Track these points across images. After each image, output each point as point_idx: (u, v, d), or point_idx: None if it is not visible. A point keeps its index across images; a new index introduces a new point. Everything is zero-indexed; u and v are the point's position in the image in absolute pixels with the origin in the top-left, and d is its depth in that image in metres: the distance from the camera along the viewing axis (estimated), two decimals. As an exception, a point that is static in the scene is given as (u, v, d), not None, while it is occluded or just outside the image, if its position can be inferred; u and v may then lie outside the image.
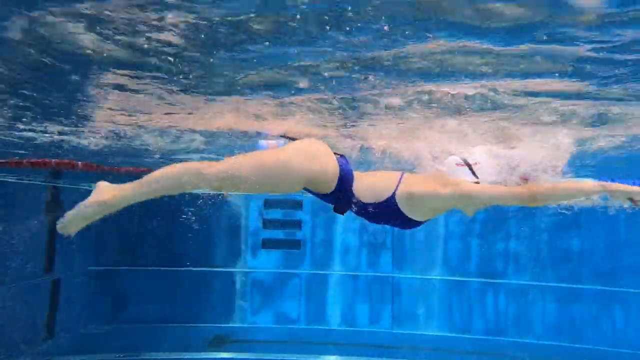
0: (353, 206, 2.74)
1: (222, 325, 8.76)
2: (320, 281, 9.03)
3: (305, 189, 2.68)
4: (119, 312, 8.72)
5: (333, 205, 2.80)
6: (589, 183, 2.61)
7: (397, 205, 2.66)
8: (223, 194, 8.44)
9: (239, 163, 2.42)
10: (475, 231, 8.86)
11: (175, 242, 8.93)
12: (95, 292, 8.65)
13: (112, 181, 2.32)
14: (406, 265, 8.94)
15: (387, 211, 2.69)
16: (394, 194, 2.66)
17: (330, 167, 2.59)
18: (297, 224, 9.11)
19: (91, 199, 2.31)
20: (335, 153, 2.75)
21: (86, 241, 8.53)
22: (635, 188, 2.52)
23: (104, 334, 8.17)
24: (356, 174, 2.72)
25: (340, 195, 2.69)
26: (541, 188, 2.62)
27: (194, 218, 8.96)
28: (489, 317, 8.71)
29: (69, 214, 2.31)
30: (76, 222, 2.33)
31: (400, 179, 2.72)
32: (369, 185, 2.71)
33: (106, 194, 2.31)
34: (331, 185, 2.63)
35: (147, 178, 2.33)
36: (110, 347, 7.43)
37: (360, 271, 9.00)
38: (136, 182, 2.33)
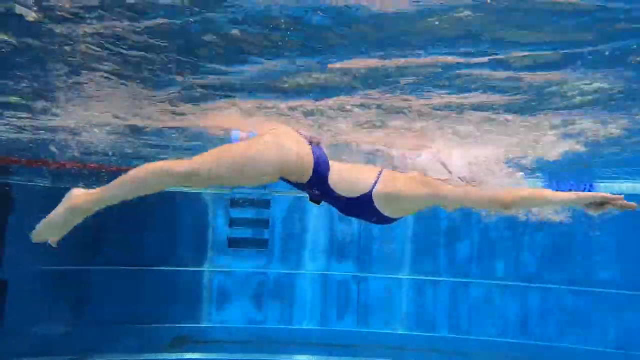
0: (328, 197, 2.71)
1: (187, 325, 8.58)
2: (287, 281, 8.96)
3: (282, 179, 2.63)
4: (77, 313, 8.38)
5: (309, 196, 2.78)
6: (565, 193, 2.64)
7: (372, 202, 2.64)
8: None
9: (211, 159, 2.38)
10: (443, 231, 8.98)
11: (138, 241, 8.65)
12: (51, 292, 8.28)
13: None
14: (373, 265, 8.99)
15: (362, 207, 2.68)
16: (371, 191, 2.64)
17: (304, 157, 2.55)
18: (265, 223, 9.00)
19: (62, 205, 2.29)
20: (311, 142, 2.71)
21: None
22: (607, 194, 2.54)
23: (60, 336, 7.83)
24: (333, 165, 2.69)
25: (316, 185, 2.66)
26: (520, 194, 2.63)
27: (158, 216, 8.71)
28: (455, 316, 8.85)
29: (41, 223, 2.30)
30: (51, 231, 2.35)
31: (379, 176, 2.70)
32: (347, 178, 2.68)
33: (77, 200, 2.30)
34: (307, 175, 2.60)
35: (117, 181, 2.31)
36: (65, 349, 7.13)
37: (328, 271, 8.98)
38: (107, 186, 2.30)
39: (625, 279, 8.14)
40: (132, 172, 2.31)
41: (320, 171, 2.61)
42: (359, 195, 2.65)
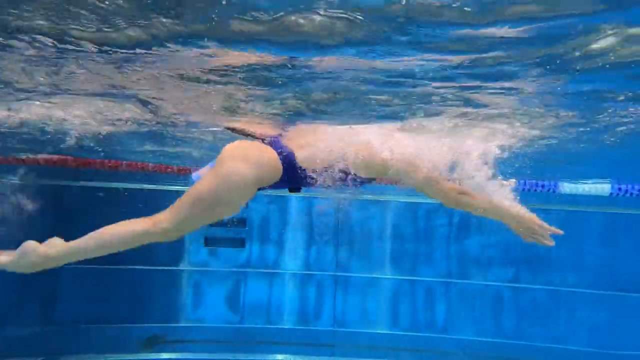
0: (305, 179, 2.76)
1: (161, 325, 8.42)
2: (264, 279, 8.89)
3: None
4: (47, 313, 8.14)
5: (288, 188, 2.84)
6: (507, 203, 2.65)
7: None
8: None
9: (184, 208, 2.43)
10: (424, 231, 9.05)
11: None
12: (18, 292, 8.02)
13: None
14: (352, 263, 8.99)
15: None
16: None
17: (270, 162, 2.60)
18: (242, 222, 8.92)
19: (33, 253, 2.43)
20: (263, 139, 2.77)
21: (9, 237, 7.89)
22: (537, 224, 2.56)
23: (27, 337, 7.59)
24: (295, 147, 2.72)
25: (290, 177, 2.70)
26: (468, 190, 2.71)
27: (131, 213, 8.52)
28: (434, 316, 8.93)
29: (8, 264, 2.44)
30: (22, 270, 2.48)
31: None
32: (313, 152, 2.75)
33: (53, 250, 2.42)
34: (278, 175, 2.65)
35: (93, 239, 2.46)
36: (32, 350, 6.91)
37: (306, 269, 8.95)
38: (81, 241, 2.44)
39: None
40: (109, 232, 2.48)
41: (289, 164, 2.65)
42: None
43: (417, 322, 8.83)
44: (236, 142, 2.67)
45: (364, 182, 2.87)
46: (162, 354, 7.26)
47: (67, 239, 2.52)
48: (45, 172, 7.24)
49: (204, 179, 2.53)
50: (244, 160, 2.49)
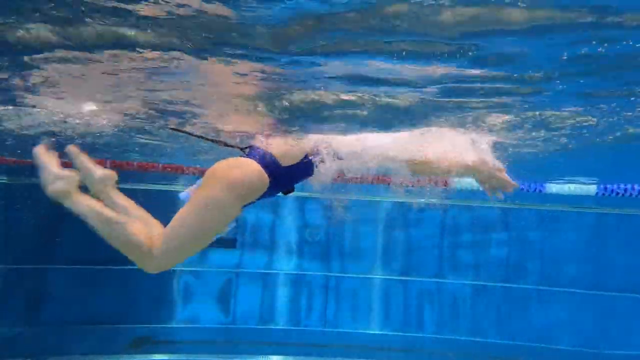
0: (292, 178, 2.76)
1: (149, 325, 8.33)
2: (255, 280, 8.84)
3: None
4: (32, 314, 8.01)
5: (282, 192, 2.82)
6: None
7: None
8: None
9: (172, 236, 2.45)
10: (418, 230, 9.06)
11: (99, 239, 8.32)
12: (4, 291, 7.89)
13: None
14: (344, 263, 8.98)
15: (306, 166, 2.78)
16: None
17: (254, 181, 2.55)
18: (233, 221, 8.84)
19: (59, 181, 2.53)
20: (243, 149, 2.77)
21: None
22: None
23: (11, 337, 7.47)
24: (276, 153, 2.69)
25: (279, 182, 2.67)
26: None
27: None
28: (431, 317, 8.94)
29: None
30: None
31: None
32: (289, 150, 2.77)
33: (70, 187, 2.51)
34: (265, 185, 2.60)
35: (97, 214, 2.49)
36: (17, 351, 6.79)
37: (298, 270, 8.91)
38: (89, 206, 2.49)
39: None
40: (113, 219, 2.46)
41: (275, 171, 2.62)
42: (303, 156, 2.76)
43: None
44: (220, 164, 2.60)
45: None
46: (152, 355, 7.17)
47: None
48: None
49: (189, 205, 2.51)
50: (227, 184, 2.45)
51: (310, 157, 2.78)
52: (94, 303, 8.23)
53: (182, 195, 2.69)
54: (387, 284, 8.94)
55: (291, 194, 2.83)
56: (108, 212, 2.48)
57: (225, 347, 7.76)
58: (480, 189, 2.89)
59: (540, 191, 6.05)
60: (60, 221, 8.23)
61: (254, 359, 7.55)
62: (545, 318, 8.57)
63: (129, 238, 2.41)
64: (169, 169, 6.24)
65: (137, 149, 5.42)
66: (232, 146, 2.95)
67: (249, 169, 2.54)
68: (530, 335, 8.57)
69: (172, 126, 3.54)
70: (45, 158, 2.60)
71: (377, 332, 8.79)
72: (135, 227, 2.45)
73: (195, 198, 2.49)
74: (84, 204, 2.49)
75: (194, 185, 2.69)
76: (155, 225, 2.60)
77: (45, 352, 6.81)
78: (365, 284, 8.96)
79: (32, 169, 6.61)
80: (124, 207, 2.60)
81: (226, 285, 8.76)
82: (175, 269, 8.58)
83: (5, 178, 7.83)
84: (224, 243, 8.79)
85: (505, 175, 2.75)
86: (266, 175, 2.56)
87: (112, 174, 2.64)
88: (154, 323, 8.43)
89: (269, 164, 2.60)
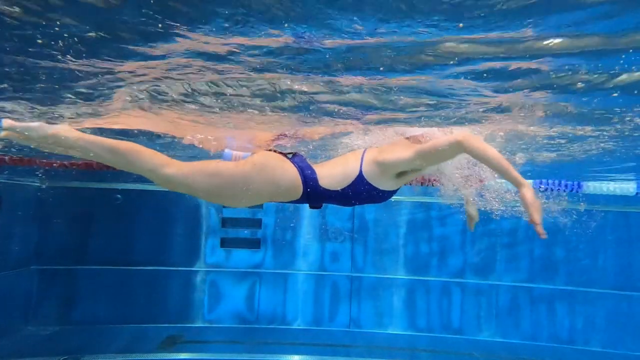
0: (326, 198, 2.74)
1: (178, 325, 8.50)
2: (280, 280, 8.91)
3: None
4: (66, 313, 8.28)
5: (308, 204, 2.80)
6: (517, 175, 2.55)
7: (364, 178, 2.67)
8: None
9: (197, 171, 2.41)
10: (439, 231, 8.99)
11: (129, 240, 8.56)
12: (39, 291, 8.16)
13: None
14: (367, 264, 8.97)
15: (358, 188, 2.70)
16: (360, 170, 2.68)
17: (289, 186, 2.58)
18: (257, 223, 8.95)
19: (43, 126, 2.40)
20: (286, 155, 2.73)
21: (28, 239, 8.03)
22: (535, 218, 2.37)
23: (48, 336, 7.72)
24: (317, 168, 2.70)
25: (310, 194, 2.67)
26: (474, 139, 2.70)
27: (148, 215, 8.62)
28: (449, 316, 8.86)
29: (19, 126, 2.41)
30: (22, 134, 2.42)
31: (363, 154, 2.75)
32: (336, 173, 2.71)
33: (62, 130, 2.41)
34: (298, 192, 2.62)
35: (100, 141, 2.38)
36: (53, 349, 7.02)
37: (321, 270, 8.94)
38: (90, 138, 2.39)
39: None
40: (121, 146, 2.36)
41: (310, 181, 2.63)
42: (353, 179, 2.67)
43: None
44: (271, 154, 2.66)
45: (385, 196, 2.84)
46: (181, 354, 7.30)
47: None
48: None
49: (231, 163, 2.55)
50: (267, 174, 2.50)
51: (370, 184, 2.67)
52: (125, 303, 8.45)
53: (226, 151, 2.72)
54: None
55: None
56: (112, 140, 2.41)
57: (253, 346, 7.83)
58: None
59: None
60: (92, 223, 8.49)
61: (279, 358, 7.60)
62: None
63: (142, 151, 2.38)
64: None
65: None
66: (275, 151, 2.95)
67: (288, 173, 2.59)
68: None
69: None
70: (23, 122, 2.50)
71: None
72: (144, 150, 2.42)
73: (234, 165, 2.52)
74: (88, 137, 2.42)
75: (241, 154, 2.72)
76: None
77: (80, 350, 7.00)
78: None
79: (65, 172, 6.75)
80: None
81: (252, 285, 8.86)
82: (201, 269, 8.75)
83: (37, 181, 8.08)
84: (249, 244, 8.90)
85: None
86: (301, 186, 2.60)
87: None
88: (184, 323, 8.59)
89: (309, 177, 2.62)
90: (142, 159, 2.35)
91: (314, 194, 2.67)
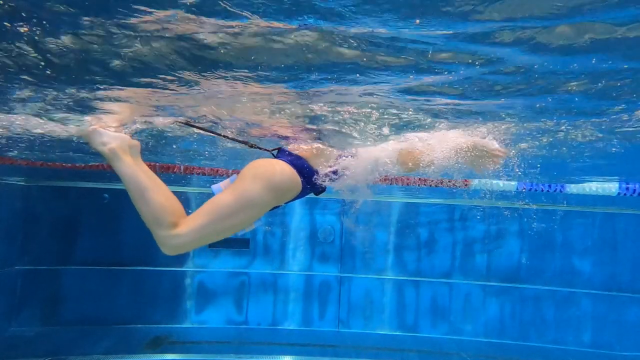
0: (328, 180, 2.77)
1: (165, 325, 8.43)
2: (268, 281, 8.88)
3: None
4: (50, 314, 8.16)
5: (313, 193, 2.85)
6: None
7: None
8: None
9: (200, 218, 2.45)
10: (427, 231, 9.03)
11: (116, 240, 8.46)
12: (23, 292, 8.04)
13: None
14: (355, 265, 8.98)
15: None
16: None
17: (292, 184, 2.57)
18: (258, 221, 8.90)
19: (111, 140, 2.58)
20: (272, 151, 2.77)
21: (12, 239, 7.91)
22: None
23: (31, 337, 7.61)
24: (308, 157, 2.72)
25: (310, 185, 2.70)
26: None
27: (135, 214, 8.53)
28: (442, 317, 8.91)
29: (98, 136, 2.59)
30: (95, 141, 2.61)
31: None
32: (317, 154, 2.79)
33: (122, 151, 2.58)
34: (298, 187, 2.61)
35: (138, 177, 2.55)
36: (37, 350, 6.91)
37: (310, 271, 8.93)
38: (134, 170, 2.55)
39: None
40: (149, 187, 2.54)
41: (307, 174, 2.64)
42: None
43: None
44: (259, 161, 2.60)
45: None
46: (168, 354, 7.24)
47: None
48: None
49: (224, 192, 2.48)
50: (266, 183, 2.44)
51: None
52: (112, 303, 8.36)
53: (214, 187, 2.68)
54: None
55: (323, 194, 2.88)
56: (146, 180, 2.54)
57: (241, 347, 7.80)
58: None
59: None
60: (78, 222, 8.39)
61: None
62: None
63: (158, 208, 2.48)
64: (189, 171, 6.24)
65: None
66: (260, 148, 2.92)
67: (285, 171, 2.55)
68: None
69: (186, 122, 3.35)
70: (94, 125, 2.69)
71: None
72: (165, 198, 2.51)
73: (231, 191, 2.44)
74: (130, 167, 2.55)
75: (227, 180, 2.68)
76: (178, 204, 2.62)
77: (65, 351, 6.92)
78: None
79: (50, 172, 6.63)
80: (153, 176, 2.61)
81: (240, 286, 8.81)
82: (189, 269, 8.69)
83: (23, 180, 7.97)
84: (238, 244, 8.85)
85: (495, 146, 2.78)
86: (299, 178, 2.58)
87: (139, 143, 2.66)
88: (172, 323, 8.53)
89: (302, 167, 2.62)
90: (161, 209, 2.49)
91: (312, 183, 2.68)
